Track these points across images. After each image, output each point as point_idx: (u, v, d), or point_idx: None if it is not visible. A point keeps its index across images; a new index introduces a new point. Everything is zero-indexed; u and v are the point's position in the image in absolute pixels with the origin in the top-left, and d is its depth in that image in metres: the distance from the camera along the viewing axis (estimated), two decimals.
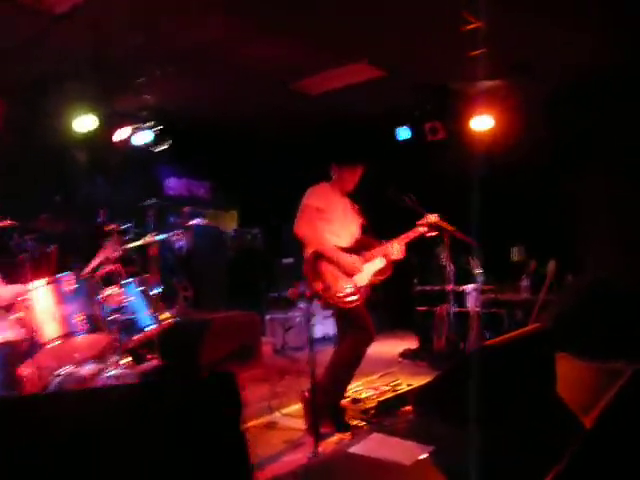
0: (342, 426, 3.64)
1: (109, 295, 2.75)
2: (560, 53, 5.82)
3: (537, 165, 7.05)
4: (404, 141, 7.50)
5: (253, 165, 8.50)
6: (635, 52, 5.75)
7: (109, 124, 7.00)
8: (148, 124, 7.17)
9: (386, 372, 5.26)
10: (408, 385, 4.30)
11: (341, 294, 3.50)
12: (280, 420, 3.98)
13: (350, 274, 3.60)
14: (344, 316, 3.66)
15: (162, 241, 6.44)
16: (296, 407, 4.20)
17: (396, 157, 7.59)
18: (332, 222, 3.72)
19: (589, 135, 6.63)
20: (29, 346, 2.45)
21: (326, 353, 6.42)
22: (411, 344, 6.14)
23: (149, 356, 3.20)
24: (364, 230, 3.92)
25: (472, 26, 5.18)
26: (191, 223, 6.41)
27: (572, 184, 6.93)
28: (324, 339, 7.16)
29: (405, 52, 5.85)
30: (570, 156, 6.86)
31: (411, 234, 3.93)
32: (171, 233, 6.36)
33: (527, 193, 7.39)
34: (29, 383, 2.85)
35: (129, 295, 2.83)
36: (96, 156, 6.98)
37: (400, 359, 5.80)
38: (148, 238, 3.37)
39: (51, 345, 2.39)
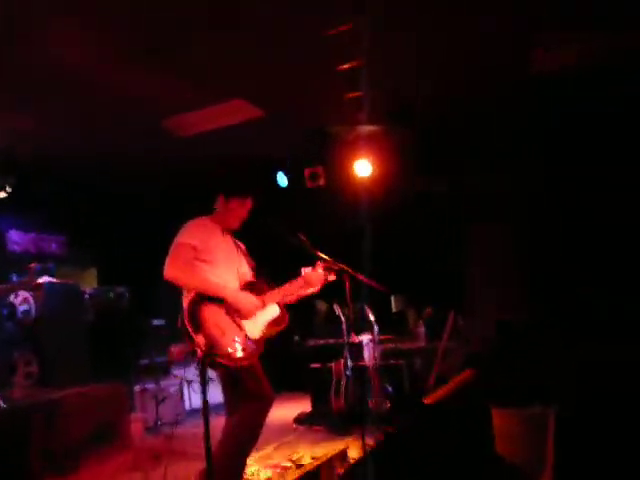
0: None
1: None
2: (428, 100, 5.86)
3: (418, 212, 7.06)
4: (284, 188, 7.11)
5: (115, 216, 7.59)
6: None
7: None
8: None
9: (281, 442, 4.56)
10: (313, 458, 3.66)
11: (230, 350, 2.79)
12: None
13: (246, 314, 2.96)
14: (234, 380, 2.91)
15: (1, 305, 5.37)
16: None
17: (275, 202, 7.15)
18: (213, 264, 3.07)
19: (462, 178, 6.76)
20: None
21: (212, 425, 5.63)
22: (304, 406, 5.52)
23: None
24: (255, 273, 3.33)
25: (349, 65, 5.01)
26: (40, 281, 5.32)
27: (454, 229, 7.00)
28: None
29: (282, 91, 5.52)
30: (449, 201, 6.93)
31: (297, 283, 3.32)
32: (12, 287, 5.29)
33: (406, 240, 7.36)
34: None
35: None
36: None
37: (295, 425, 5.13)
38: None
39: None
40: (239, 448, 2.93)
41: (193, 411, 6.16)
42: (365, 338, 5.11)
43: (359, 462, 2.02)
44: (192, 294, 2.90)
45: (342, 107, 5.76)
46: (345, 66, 5.00)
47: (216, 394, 6.47)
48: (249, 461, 3.82)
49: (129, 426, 4.74)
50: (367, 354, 5.09)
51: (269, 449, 4.37)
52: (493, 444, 2.53)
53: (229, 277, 3.12)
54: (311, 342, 5.57)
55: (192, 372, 6.26)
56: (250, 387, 2.90)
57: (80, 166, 6.64)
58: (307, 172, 6.84)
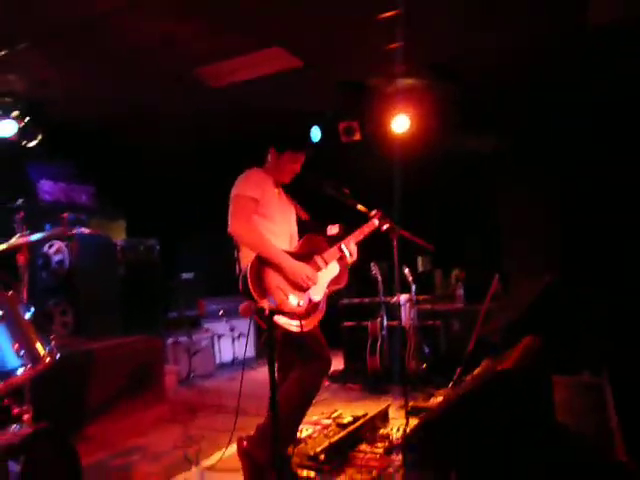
0: None
1: None
2: (481, 52, 5.56)
3: (455, 171, 6.82)
4: (316, 143, 6.89)
5: (144, 168, 7.47)
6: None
7: None
8: (13, 114, 5.94)
9: (316, 399, 4.52)
10: (353, 416, 3.61)
11: (293, 314, 2.69)
12: (204, 477, 3.08)
13: (303, 287, 2.81)
14: (293, 342, 2.80)
15: (36, 255, 5.34)
16: (216, 458, 3.34)
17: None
18: (269, 218, 2.96)
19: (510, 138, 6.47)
20: None
21: (244, 379, 5.63)
22: (337, 364, 5.47)
23: (16, 410, 2.19)
24: (309, 226, 3.19)
25: (390, 14, 4.72)
26: (74, 232, 5.26)
27: (491, 189, 6.78)
28: (233, 363, 6.31)
29: (321, 40, 5.24)
30: (490, 161, 6.67)
31: (365, 229, 3.22)
32: (47, 236, 5.23)
33: (439, 201, 7.17)
34: None
35: None
36: None
37: (328, 382, 5.10)
38: (16, 240, 2.37)
39: None
40: (294, 411, 2.87)
41: (223, 365, 6.18)
42: (402, 298, 5.00)
43: (428, 424, 1.93)
44: (253, 255, 2.77)
45: (381, 59, 5.54)
46: (385, 15, 4.73)
47: (248, 349, 6.50)
48: None
49: (164, 378, 4.75)
50: (404, 314, 4.98)
51: None
52: (555, 412, 2.42)
53: (282, 233, 3.04)
54: (345, 300, 5.47)
55: (222, 326, 6.26)
56: (313, 349, 2.84)
57: (110, 116, 6.49)
58: (342, 126, 6.63)
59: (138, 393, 4.46)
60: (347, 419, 3.55)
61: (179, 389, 5.14)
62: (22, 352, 1.91)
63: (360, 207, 3.50)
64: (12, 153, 6.15)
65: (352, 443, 3.21)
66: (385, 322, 4.95)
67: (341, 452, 3.09)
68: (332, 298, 3.46)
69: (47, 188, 6.96)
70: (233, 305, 6.61)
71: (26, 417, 2.23)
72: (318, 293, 2.89)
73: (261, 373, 5.78)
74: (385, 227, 3.36)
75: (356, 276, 6.43)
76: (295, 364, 2.87)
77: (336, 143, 6.64)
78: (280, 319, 2.66)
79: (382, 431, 3.42)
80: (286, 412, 2.76)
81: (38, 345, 2.01)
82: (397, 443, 3.16)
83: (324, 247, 3.04)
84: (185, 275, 7.03)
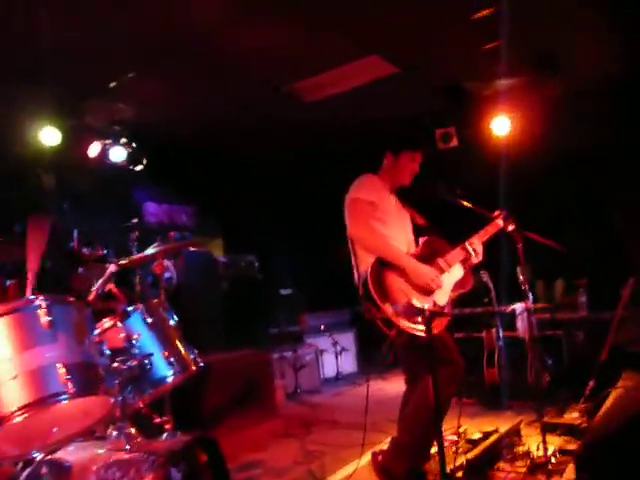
0: None
1: (105, 331, 1.78)
2: (588, 49, 5.23)
3: (562, 171, 6.41)
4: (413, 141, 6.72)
5: (240, 187, 7.63)
6: None
7: (77, 140, 6.05)
8: (122, 141, 6.26)
9: None
10: (482, 432, 3.37)
11: (419, 318, 2.52)
12: None
13: (428, 290, 2.67)
14: (420, 349, 2.59)
15: (146, 273, 5.54)
16: (344, 473, 3.21)
17: None
18: (386, 224, 2.88)
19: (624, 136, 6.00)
20: None
21: (349, 395, 5.52)
22: None
23: (157, 419, 2.18)
24: (427, 231, 3.05)
25: (484, 12, 4.52)
26: (183, 249, 5.41)
27: (604, 189, 6.30)
28: (337, 378, 6.21)
29: (415, 45, 5.12)
30: (602, 160, 6.21)
31: (490, 229, 3.07)
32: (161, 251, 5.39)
33: (545, 206, 6.75)
34: None
35: (134, 330, 1.86)
36: (63, 176, 5.98)
37: None
38: (152, 250, 2.40)
39: (16, 420, 1.39)
40: (427, 421, 2.65)
41: (327, 380, 6.08)
42: (518, 307, 4.70)
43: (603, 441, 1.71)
44: (372, 259, 2.68)
45: (478, 60, 5.33)
46: (481, 14, 4.54)
47: (349, 363, 6.39)
48: None
49: (275, 392, 4.72)
50: (520, 324, 4.68)
51: None
52: None
53: (401, 240, 2.93)
54: (455, 310, 5.21)
55: (324, 341, 6.18)
56: (442, 354, 2.67)
57: (209, 136, 6.68)
58: (439, 133, 6.44)
59: (251, 407, 4.45)
60: (476, 435, 3.32)
61: (288, 404, 5.09)
62: (172, 359, 1.89)
63: (476, 208, 3.32)
64: (121, 177, 6.48)
65: (489, 460, 2.98)
66: (501, 333, 4.66)
67: (479, 470, 2.87)
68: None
69: (152, 210, 7.27)
70: (334, 319, 6.53)
71: (168, 427, 2.21)
72: (443, 297, 2.75)
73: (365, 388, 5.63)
74: (510, 228, 3.16)
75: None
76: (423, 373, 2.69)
77: (433, 151, 6.48)
78: (405, 323, 2.53)
79: (519, 449, 3.16)
80: (419, 425, 2.68)
81: (185, 352, 1.98)
82: (540, 462, 2.89)
83: (446, 249, 2.91)
84: (283, 291, 7.05)
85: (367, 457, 3.43)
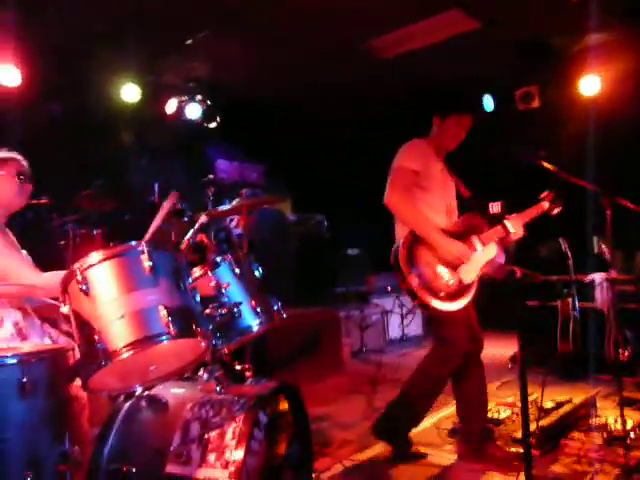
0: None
1: (196, 279, 1.85)
2: None
3: None
4: (490, 112, 6.47)
5: (310, 146, 7.62)
6: None
7: (154, 97, 6.22)
8: (197, 98, 6.37)
9: (502, 382, 4.28)
10: (554, 401, 3.31)
11: (442, 293, 2.60)
12: None
13: (454, 265, 2.68)
14: (434, 321, 2.82)
15: (218, 229, 5.70)
16: (413, 430, 3.25)
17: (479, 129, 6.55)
18: (428, 191, 2.85)
19: None
20: (85, 357, 1.55)
21: (415, 356, 5.55)
22: (513, 346, 5.13)
23: (238, 367, 2.27)
24: (469, 206, 2.98)
25: None
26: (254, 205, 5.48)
27: None
28: (402, 339, 6.23)
29: None
30: None
31: (533, 211, 2.97)
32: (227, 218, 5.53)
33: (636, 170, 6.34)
34: (83, 409, 1.98)
35: (223, 280, 1.93)
36: (141, 132, 6.18)
37: (510, 365, 4.80)
38: (236, 203, 2.46)
39: (123, 356, 1.48)
40: (419, 392, 2.87)
41: (392, 341, 6.13)
42: (597, 277, 4.51)
43: None
44: (406, 229, 2.72)
45: (566, 14, 4.99)
46: None
47: (415, 326, 6.39)
48: None
49: (342, 349, 4.80)
50: (599, 295, 4.49)
51: (491, 387, 4.12)
52: None
53: (441, 206, 2.90)
54: (538, 277, 5.07)
55: (391, 302, 6.19)
56: (447, 333, 2.76)
57: (282, 95, 6.66)
58: (519, 93, 6.15)
59: (318, 362, 4.56)
60: (548, 404, 3.26)
61: (352, 362, 5.17)
62: (258, 309, 1.95)
63: (560, 172, 3.15)
64: (195, 134, 6.63)
65: (562, 430, 2.93)
66: (577, 303, 4.50)
67: (552, 438, 2.83)
68: (512, 275, 3.22)
69: (223, 167, 7.42)
70: None
71: (248, 374, 2.28)
72: (470, 274, 2.71)
73: None
74: (556, 211, 3.07)
75: (535, 252, 5.98)
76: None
77: (512, 111, 6.20)
78: (426, 296, 2.59)
79: (595, 420, 3.08)
80: (413, 395, 2.89)
81: (270, 303, 2.04)
82: (618, 435, 2.81)
83: (483, 228, 2.86)
84: (350, 251, 7.07)
85: (432, 419, 3.47)
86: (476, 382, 2.89)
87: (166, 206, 2.32)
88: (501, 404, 3.50)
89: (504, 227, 2.84)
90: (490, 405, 3.48)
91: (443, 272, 2.66)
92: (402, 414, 2.88)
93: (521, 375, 1.87)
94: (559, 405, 3.22)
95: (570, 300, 4.51)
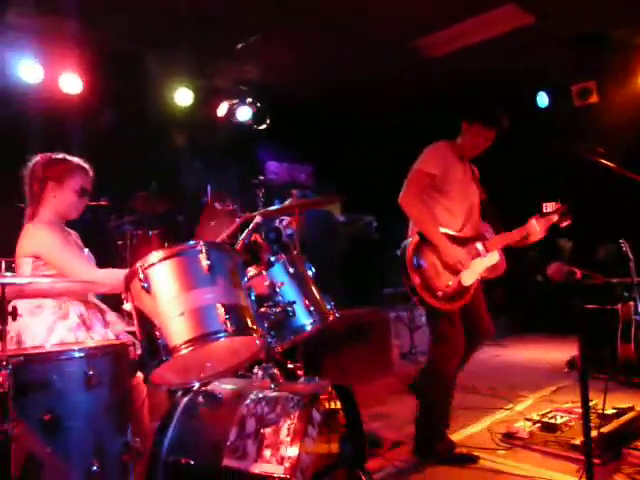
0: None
1: (251, 278, 1.89)
2: None
3: None
4: (544, 109, 6.29)
5: (359, 146, 7.61)
6: None
7: (206, 100, 6.36)
8: (247, 100, 6.48)
9: (559, 386, 4.15)
10: (615, 408, 3.18)
11: (440, 293, 2.77)
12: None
13: (455, 270, 2.83)
14: (433, 319, 2.92)
15: (269, 229, 5.77)
16: (462, 435, 3.21)
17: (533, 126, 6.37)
18: (446, 194, 2.98)
19: None
20: (147, 352, 1.61)
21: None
22: (572, 350, 4.97)
23: (290, 365, 2.30)
24: (485, 207, 3.11)
25: None
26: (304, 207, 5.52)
27: None
28: None
29: None
30: None
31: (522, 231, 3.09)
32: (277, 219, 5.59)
33: None
34: (143, 403, 2.05)
35: (277, 279, 1.96)
36: (193, 135, 6.34)
37: (567, 369, 4.65)
38: (288, 203, 2.50)
39: (182, 352, 1.53)
40: (433, 392, 2.96)
41: None
42: None
43: None
44: (417, 228, 2.89)
45: (623, 5, 4.80)
46: None
47: None
48: (527, 399, 3.74)
49: (391, 350, 4.78)
50: None
51: (546, 392, 4.01)
52: None
53: (460, 210, 3.01)
54: (585, 280, 4.89)
55: None
56: (445, 330, 2.86)
57: (331, 96, 6.68)
58: (576, 89, 5.95)
59: (368, 363, 4.55)
60: (609, 411, 3.14)
61: (402, 363, 5.12)
62: (312, 308, 1.96)
63: (619, 169, 3.08)
64: (245, 136, 6.74)
65: (624, 438, 2.82)
66: (639, 307, 4.32)
67: (613, 446, 2.72)
68: (571, 275, 3.15)
69: (273, 168, 7.51)
70: None
71: (300, 373, 2.31)
72: (470, 278, 2.86)
73: (482, 353, 5.50)
74: (564, 224, 3.18)
75: (594, 254, 5.77)
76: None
77: (568, 108, 6.01)
78: (426, 295, 2.77)
79: None
80: (429, 401, 2.98)
81: (323, 303, 2.06)
82: None
83: (490, 235, 3.06)
84: (399, 252, 7.01)
85: (485, 422, 3.41)
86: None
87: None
88: (558, 410, 3.39)
89: (508, 236, 3.05)
90: (546, 410, 3.40)
91: (444, 274, 2.82)
92: (428, 425, 2.95)
93: (582, 379, 1.81)
94: (621, 412, 3.10)
95: (632, 303, 4.32)
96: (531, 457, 2.85)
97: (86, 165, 2.38)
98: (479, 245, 2.97)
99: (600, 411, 3.11)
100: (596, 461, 2.62)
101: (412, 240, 2.85)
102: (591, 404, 3.35)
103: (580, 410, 3.31)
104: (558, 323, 4.59)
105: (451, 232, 2.91)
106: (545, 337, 5.90)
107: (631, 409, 3.12)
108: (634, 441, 2.80)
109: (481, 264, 2.93)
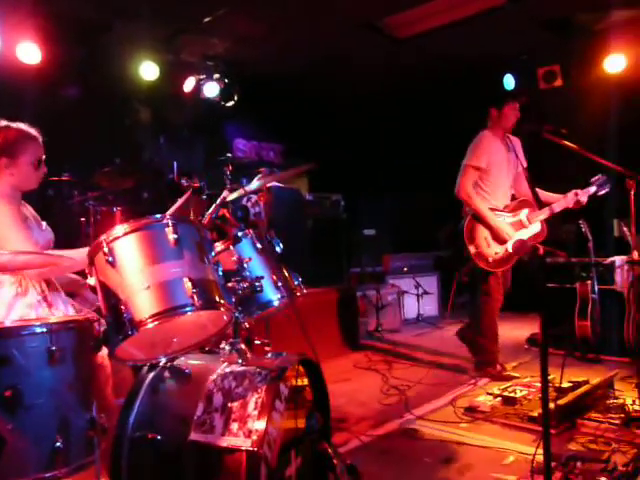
0: None
1: (219, 253, 1.87)
2: None
3: None
4: (510, 92, 6.36)
5: (326, 126, 7.57)
6: None
7: (172, 75, 6.20)
8: (215, 76, 6.35)
9: (519, 362, 4.28)
10: (571, 382, 3.30)
11: (490, 259, 3.64)
12: (418, 425, 3.03)
13: (502, 240, 3.66)
14: (483, 278, 3.75)
15: (235, 207, 5.72)
16: (427, 408, 3.29)
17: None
18: (492, 181, 3.77)
19: None
20: (112, 327, 1.58)
21: (430, 337, 5.57)
22: (533, 327, 5.13)
23: (257, 340, 2.31)
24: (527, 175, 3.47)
25: None
26: (269, 185, 5.49)
27: None
28: (418, 320, 6.25)
29: None
30: None
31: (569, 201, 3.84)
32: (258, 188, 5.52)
33: None
34: (108, 379, 2.03)
35: (245, 254, 1.94)
36: (159, 110, 6.20)
37: (527, 345, 4.80)
38: (256, 184, 2.48)
39: (148, 326, 1.51)
40: (483, 329, 3.83)
41: (407, 321, 6.14)
42: (618, 259, 4.46)
43: None
44: (470, 213, 3.69)
45: None
46: None
47: (431, 306, 6.39)
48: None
49: (358, 328, 4.83)
50: (619, 278, 4.45)
51: (507, 367, 4.13)
52: None
53: (503, 188, 3.83)
54: (548, 259, 5.03)
55: (407, 283, 6.19)
56: (491, 285, 3.74)
57: (299, 74, 6.61)
58: (541, 71, 6.04)
59: (336, 340, 4.60)
60: (565, 384, 3.26)
61: (369, 341, 5.20)
62: (279, 283, 1.96)
63: (582, 150, 3.26)
64: (213, 113, 6.62)
65: (578, 410, 2.93)
66: (596, 285, 4.47)
67: (568, 418, 2.83)
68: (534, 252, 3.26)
69: (241, 146, 7.42)
70: (417, 262, 6.51)
71: (267, 348, 2.31)
72: None
73: (447, 331, 5.64)
74: (601, 193, 3.89)
75: (556, 234, 5.92)
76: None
77: (533, 90, 6.09)
78: (478, 260, 3.65)
79: (612, 401, 3.08)
80: (482, 336, 3.86)
81: (290, 279, 2.06)
82: (636, 416, 2.81)
83: (533, 208, 3.78)
84: (367, 231, 7.06)
85: (449, 397, 3.49)
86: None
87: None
88: (518, 384, 3.51)
89: (550, 209, 3.77)
90: (506, 384, 3.52)
91: (493, 244, 3.67)
92: (483, 355, 3.86)
93: (542, 354, 1.87)
94: (576, 386, 3.21)
95: (589, 282, 4.47)
96: (492, 429, 2.94)
97: (33, 131, 2.26)
98: (523, 217, 3.76)
99: (557, 385, 3.24)
100: (552, 431, 2.73)
101: (466, 220, 3.66)
102: (549, 378, 3.48)
103: (538, 384, 3.44)
104: (519, 302, 4.71)
105: (500, 207, 3.75)
106: (508, 314, 6.04)
107: (586, 382, 3.25)
108: (588, 412, 2.92)
109: (526, 233, 3.74)
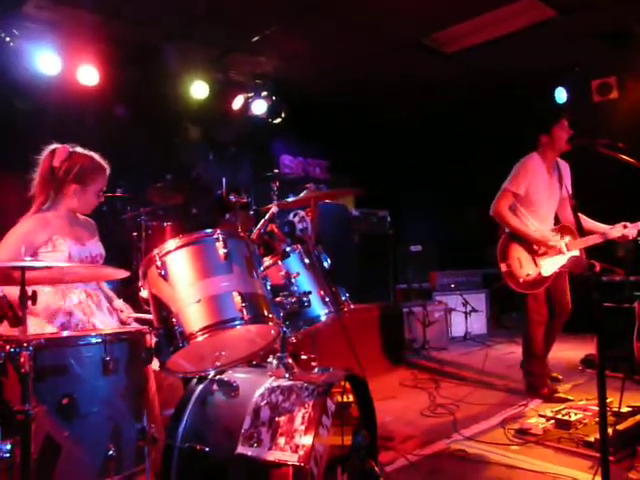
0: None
1: (267, 268, 1.89)
2: None
3: None
4: (562, 105, 6.21)
5: (373, 143, 7.59)
6: None
7: (221, 93, 6.37)
8: (262, 94, 6.48)
9: (574, 384, 4.11)
10: (630, 406, 3.14)
11: (521, 279, 3.59)
12: (470, 449, 2.94)
13: (536, 262, 3.61)
14: (524, 298, 3.74)
15: (282, 223, 5.77)
16: (476, 429, 3.20)
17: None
18: (535, 205, 3.70)
19: None
20: (163, 339, 1.62)
21: (478, 355, 5.43)
22: (588, 348, 4.92)
23: (304, 355, 2.31)
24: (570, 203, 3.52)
25: None
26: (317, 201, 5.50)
27: None
28: (465, 338, 6.11)
29: None
30: None
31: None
32: (291, 213, 5.59)
33: None
34: (156, 391, 2.06)
35: (293, 269, 1.96)
36: (208, 128, 6.35)
37: (581, 367, 4.61)
38: (304, 195, 2.50)
39: (199, 338, 1.54)
40: (529, 347, 3.80)
41: (454, 339, 6.01)
42: None
43: None
44: (506, 232, 3.67)
45: None
46: None
47: (478, 324, 6.24)
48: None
49: (405, 345, 4.76)
50: None
51: (561, 388, 3.97)
52: None
53: (547, 214, 3.75)
54: (604, 278, 4.84)
55: (454, 300, 6.08)
56: (529, 305, 3.71)
57: (343, 94, 6.67)
58: (596, 84, 5.87)
59: (381, 356, 4.55)
60: (624, 409, 3.10)
61: (415, 358, 5.11)
62: (327, 299, 1.96)
63: None
64: (260, 130, 6.74)
65: (639, 436, 2.78)
66: None
67: (627, 444, 2.69)
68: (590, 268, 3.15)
69: (287, 162, 7.51)
70: (465, 279, 6.39)
71: (314, 363, 2.31)
72: (549, 270, 3.59)
73: (496, 350, 5.49)
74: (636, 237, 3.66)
75: (612, 252, 5.70)
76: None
77: (587, 103, 5.93)
78: (508, 279, 3.62)
79: None
80: (529, 351, 3.85)
81: (338, 294, 2.06)
82: None
83: (574, 236, 3.65)
84: (413, 248, 6.99)
85: (499, 418, 3.38)
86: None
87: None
88: (572, 407, 3.36)
89: (587, 240, 3.56)
90: (560, 407, 3.38)
91: (526, 266, 3.61)
92: (534, 376, 3.79)
93: (599, 376, 1.79)
94: (636, 411, 3.05)
95: None
96: (544, 453, 2.82)
97: (104, 163, 2.36)
98: (562, 244, 3.61)
99: (615, 409, 3.08)
100: (611, 458, 2.59)
101: (501, 239, 3.66)
102: (607, 402, 3.32)
103: (594, 408, 3.30)
104: (574, 320, 4.53)
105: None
106: (561, 335, 5.83)
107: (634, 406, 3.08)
108: None
109: (561, 260, 3.61)
